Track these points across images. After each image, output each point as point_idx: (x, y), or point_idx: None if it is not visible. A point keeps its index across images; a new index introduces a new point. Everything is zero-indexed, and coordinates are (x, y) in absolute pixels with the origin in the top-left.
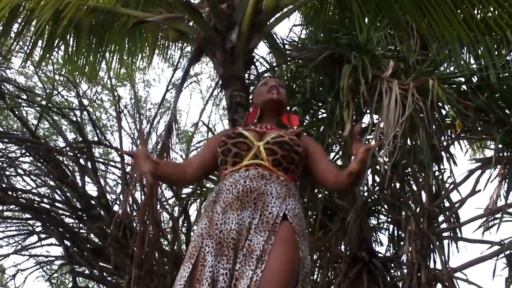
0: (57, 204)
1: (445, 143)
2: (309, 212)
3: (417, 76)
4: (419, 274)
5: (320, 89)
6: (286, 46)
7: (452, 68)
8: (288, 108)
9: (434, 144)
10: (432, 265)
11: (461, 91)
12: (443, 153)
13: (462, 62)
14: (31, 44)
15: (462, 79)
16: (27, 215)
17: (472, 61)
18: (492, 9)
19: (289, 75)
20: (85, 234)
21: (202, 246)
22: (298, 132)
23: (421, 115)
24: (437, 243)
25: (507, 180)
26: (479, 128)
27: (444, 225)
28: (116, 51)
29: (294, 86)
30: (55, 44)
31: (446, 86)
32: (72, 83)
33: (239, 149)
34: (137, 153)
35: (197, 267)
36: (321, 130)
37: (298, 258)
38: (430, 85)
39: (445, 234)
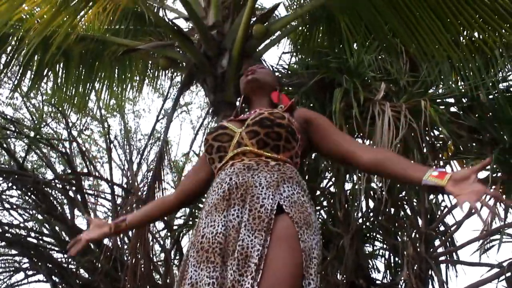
0: (45, 238)
1: (441, 163)
2: None
3: (409, 97)
4: None
5: None
6: (276, 73)
7: (442, 90)
8: (277, 86)
9: (428, 166)
10: None
11: (452, 111)
12: None
13: (452, 83)
14: (19, 74)
15: (453, 100)
16: (14, 251)
17: (463, 82)
18: (480, 28)
19: None
20: (74, 269)
21: (187, 258)
22: (290, 106)
23: (412, 134)
24: (435, 267)
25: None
26: (473, 149)
27: (440, 249)
28: (106, 80)
29: None
30: (44, 74)
31: (438, 107)
32: (62, 114)
33: (221, 141)
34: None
35: (181, 283)
36: (312, 155)
37: (301, 253)
38: (422, 106)
39: (442, 258)
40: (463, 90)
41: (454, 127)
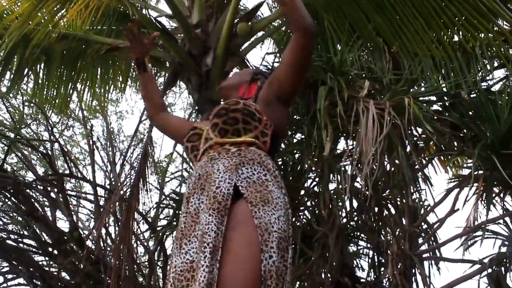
0: (25, 240)
1: (424, 162)
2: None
3: (392, 95)
4: None
5: (295, 116)
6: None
7: (425, 88)
8: (248, 80)
9: (411, 165)
10: (415, 287)
11: (435, 109)
12: (419, 174)
13: (434, 80)
14: None
15: (435, 98)
16: None
17: (444, 79)
18: (463, 27)
19: None
20: (56, 272)
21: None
22: (255, 91)
23: (396, 132)
24: (419, 264)
25: (485, 197)
26: (455, 146)
27: (424, 247)
28: (88, 80)
29: None
30: (24, 73)
31: (422, 104)
32: (43, 114)
33: (192, 141)
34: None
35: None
36: (296, 155)
37: (255, 230)
38: (406, 103)
39: (425, 255)
40: (445, 88)
41: (437, 124)
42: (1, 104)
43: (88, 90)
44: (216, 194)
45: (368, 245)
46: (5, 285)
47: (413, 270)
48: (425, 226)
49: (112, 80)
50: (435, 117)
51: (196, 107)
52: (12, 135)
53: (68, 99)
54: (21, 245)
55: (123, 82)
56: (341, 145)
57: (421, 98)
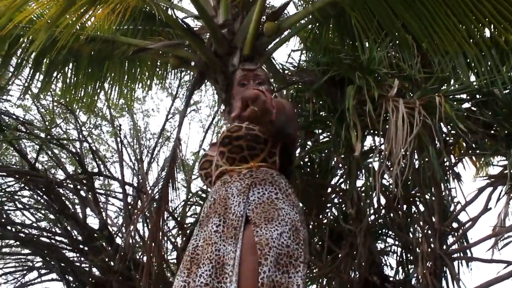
0: (57, 237)
1: (453, 160)
2: (315, 238)
3: (423, 94)
4: None
5: (322, 113)
6: (286, 71)
7: (456, 85)
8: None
9: (440, 163)
10: (445, 287)
11: (467, 107)
12: (450, 172)
13: (466, 78)
14: (29, 76)
15: (467, 96)
16: (27, 250)
17: (478, 76)
18: (496, 22)
19: (289, 99)
20: (87, 268)
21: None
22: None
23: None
24: (450, 264)
25: None
26: (489, 144)
27: (455, 246)
28: (115, 80)
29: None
30: (54, 75)
31: (453, 103)
32: (72, 114)
33: (205, 169)
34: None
35: None
36: (323, 154)
37: (255, 258)
38: (437, 102)
39: (456, 255)
40: (476, 86)
41: (469, 123)
42: (32, 105)
43: (115, 89)
44: (232, 221)
45: (397, 243)
46: (39, 279)
47: (444, 270)
48: (455, 225)
49: (138, 79)
50: (467, 116)
51: (224, 107)
52: (43, 135)
53: (96, 98)
54: (53, 241)
55: (149, 80)
56: (369, 141)
57: (452, 97)
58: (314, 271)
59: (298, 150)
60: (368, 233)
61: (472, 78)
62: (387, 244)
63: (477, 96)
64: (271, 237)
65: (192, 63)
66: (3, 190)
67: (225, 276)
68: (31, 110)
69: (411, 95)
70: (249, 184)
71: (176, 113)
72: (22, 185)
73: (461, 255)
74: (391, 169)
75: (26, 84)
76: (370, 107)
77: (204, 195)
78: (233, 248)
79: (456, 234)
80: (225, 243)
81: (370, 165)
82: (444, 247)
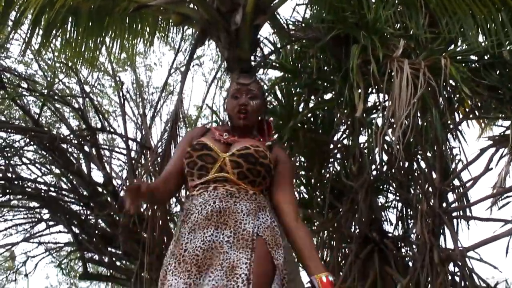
0: (63, 192)
1: (457, 120)
2: (317, 192)
3: (428, 54)
4: (431, 254)
5: (326, 68)
6: (290, 26)
7: (465, 46)
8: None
9: (444, 123)
10: (443, 245)
11: (473, 69)
12: (453, 131)
13: (474, 39)
14: (29, 31)
15: (474, 57)
16: (35, 204)
17: (483, 38)
18: None
19: (293, 55)
20: (93, 221)
21: (166, 264)
22: (271, 141)
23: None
24: (448, 222)
25: None
26: (493, 106)
27: (454, 205)
28: (116, 35)
29: (299, 66)
30: (53, 33)
31: (459, 64)
32: (73, 69)
33: (205, 162)
34: (129, 187)
35: (162, 285)
36: (326, 111)
37: (273, 268)
38: (442, 64)
39: (455, 213)
40: (482, 47)
41: (474, 85)
42: (33, 61)
43: (116, 44)
44: (243, 235)
45: (397, 198)
46: (47, 231)
47: (442, 228)
48: (456, 184)
49: (140, 34)
50: (472, 78)
51: (226, 65)
52: (45, 92)
53: (97, 53)
54: (59, 196)
55: (151, 36)
56: (372, 97)
57: (458, 58)
58: (316, 224)
59: (301, 106)
60: (370, 189)
61: (480, 39)
62: (387, 199)
63: (485, 58)
64: (282, 263)
65: (194, 21)
66: (8, 146)
67: (236, 276)
68: (32, 65)
69: (418, 52)
70: (256, 208)
71: (179, 67)
72: (27, 140)
73: (460, 213)
74: (394, 127)
75: (27, 40)
76: (374, 67)
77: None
78: (245, 255)
79: (456, 192)
80: (237, 252)
81: (373, 121)
82: (444, 205)
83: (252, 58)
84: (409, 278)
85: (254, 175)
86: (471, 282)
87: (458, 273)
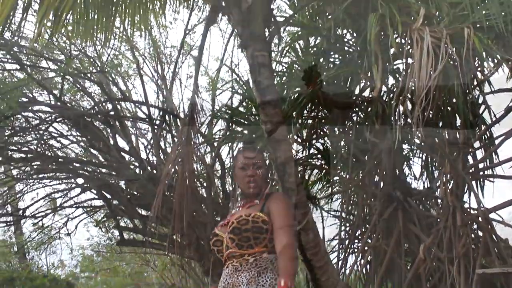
0: (93, 161)
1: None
2: (342, 150)
3: (451, 21)
4: (454, 215)
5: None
6: None
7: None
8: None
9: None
10: (467, 205)
11: (498, 33)
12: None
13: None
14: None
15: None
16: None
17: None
18: None
19: (311, 11)
20: (125, 189)
21: None
22: (265, 196)
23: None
24: (473, 182)
25: None
26: None
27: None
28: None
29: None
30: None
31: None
32: (90, 42)
33: (217, 246)
34: None
35: None
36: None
37: None
38: (465, 35)
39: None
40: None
41: (499, 53)
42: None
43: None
44: None
45: (422, 144)
46: (83, 195)
47: (466, 188)
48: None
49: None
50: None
51: (240, 41)
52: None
53: (112, 19)
54: (90, 168)
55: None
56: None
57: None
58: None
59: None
60: (393, 148)
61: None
62: (412, 148)
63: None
64: None
65: None
66: (41, 122)
67: None
68: (47, 43)
69: (440, 18)
70: (256, 275)
71: (195, 26)
72: (54, 117)
73: (485, 173)
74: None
75: (39, 20)
76: (393, 40)
77: (229, 111)
78: None
79: (482, 151)
80: None
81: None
82: (471, 162)
83: (266, 33)
84: (432, 237)
85: (245, 241)
86: (493, 244)
87: (481, 234)
